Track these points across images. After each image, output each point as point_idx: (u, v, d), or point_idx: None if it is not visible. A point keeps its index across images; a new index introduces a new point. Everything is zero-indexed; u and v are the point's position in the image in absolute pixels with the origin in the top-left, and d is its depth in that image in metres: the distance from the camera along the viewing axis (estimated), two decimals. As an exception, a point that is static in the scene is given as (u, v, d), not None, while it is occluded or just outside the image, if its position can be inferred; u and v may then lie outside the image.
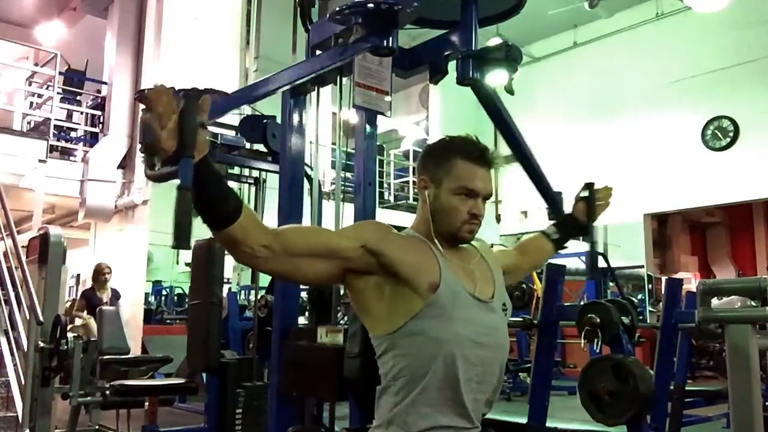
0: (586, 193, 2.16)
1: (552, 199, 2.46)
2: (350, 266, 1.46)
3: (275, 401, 2.53)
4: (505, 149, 2.49)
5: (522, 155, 2.49)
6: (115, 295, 7.00)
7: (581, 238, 2.28)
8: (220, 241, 1.32)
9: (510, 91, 2.24)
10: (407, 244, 1.53)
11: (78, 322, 6.41)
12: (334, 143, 3.78)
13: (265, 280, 4.67)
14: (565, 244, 2.13)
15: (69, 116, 9.46)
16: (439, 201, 1.55)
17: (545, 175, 2.49)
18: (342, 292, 2.69)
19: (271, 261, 1.37)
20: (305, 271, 1.43)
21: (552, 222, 2.19)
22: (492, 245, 1.85)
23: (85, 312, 6.51)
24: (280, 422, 2.46)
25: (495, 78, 2.25)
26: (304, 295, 3.50)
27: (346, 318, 2.70)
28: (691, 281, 10.16)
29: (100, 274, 6.86)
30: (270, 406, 2.63)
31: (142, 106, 1.21)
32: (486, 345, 1.49)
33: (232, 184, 4.71)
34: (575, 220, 2.17)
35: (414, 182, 6.72)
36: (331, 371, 2.15)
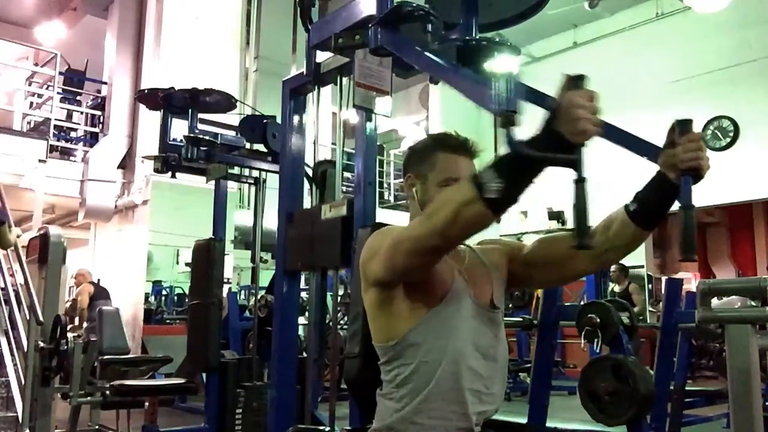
0: (676, 137, 1.38)
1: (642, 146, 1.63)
2: None
3: (275, 401, 2.53)
4: (504, 148, 2.45)
5: None
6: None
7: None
8: (474, 220, 1.21)
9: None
10: None
11: None
12: (334, 143, 3.78)
13: (265, 280, 4.67)
14: (657, 219, 1.48)
15: (69, 116, 9.46)
16: (427, 196, 1.54)
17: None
18: (341, 293, 2.69)
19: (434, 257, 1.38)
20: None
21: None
22: (520, 237, 1.78)
23: None
24: (280, 422, 2.46)
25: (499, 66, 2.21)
26: (304, 295, 3.51)
27: (346, 318, 2.70)
28: (691, 281, 10.16)
29: None
30: (270, 405, 2.63)
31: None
32: (490, 355, 1.48)
33: (232, 184, 4.72)
34: (662, 180, 1.43)
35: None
36: (335, 239, 2.21)
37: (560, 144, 1.11)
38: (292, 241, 2.56)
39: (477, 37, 1.90)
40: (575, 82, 1.13)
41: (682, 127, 1.37)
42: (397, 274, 1.40)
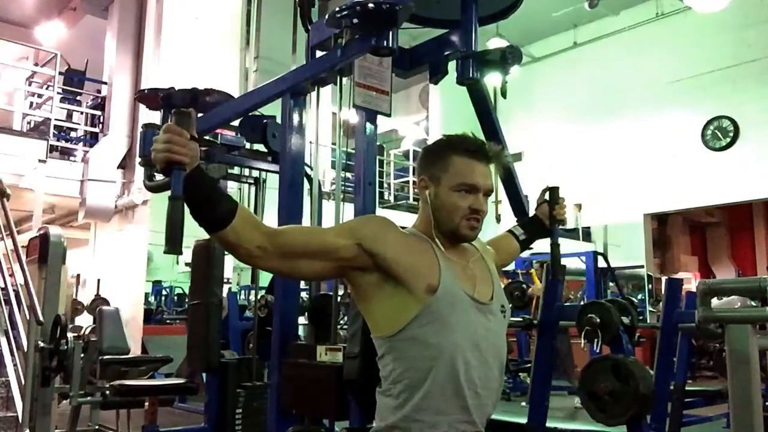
0: (547, 197, 2.20)
1: (518, 202, 2.51)
2: (347, 264, 1.47)
3: (275, 401, 2.53)
4: (509, 149, 2.49)
5: None
6: None
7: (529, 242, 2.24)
8: (217, 242, 1.40)
9: (504, 93, 2.26)
10: (407, 243, 1.51)
11: None
12: (334, 143, 3.78)
13: (265, 280, 4.67)
14: (530, 246, 2.18)
15: (69, 116, 9.46)
16: (440, 199, 1.53)
17: (517, 179, 2.56)
18: (342, 293, 2.69)
19: (267, 260, 1.43)
20: (302, 270, 1.49)
21: (518, 223, 2.24)
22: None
23: None
24: (280, 422, 2.46)
25: (493, 79, 2.26)
26: (304, 295, 3.51)
27: (346, 318, 2.70)
28: (691, 281, 10.16)
29: None
30: (270, 406, 2.63)
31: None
32: (485, 349, 1.48)
33: (231, 184, 4.71)
34: (540, 222, 2.20)
35: (414, 182, 6.76)
36: (331, 390, 2.14)
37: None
38: (286, 381, 2.43)
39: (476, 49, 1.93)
40: (176, 116, 1.33)
41: (552, 193, 2.18)
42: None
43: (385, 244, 1.47)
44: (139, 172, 8.09)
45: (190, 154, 1.30)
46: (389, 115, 2.47)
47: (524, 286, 6.23)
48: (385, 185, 12.56)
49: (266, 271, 1.57)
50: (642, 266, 10.05)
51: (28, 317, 3.68)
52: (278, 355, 2.54)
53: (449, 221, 1.53)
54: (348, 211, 2.48)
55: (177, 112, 1.33)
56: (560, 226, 2.21)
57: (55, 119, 8.57)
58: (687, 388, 4.18)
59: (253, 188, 4.21)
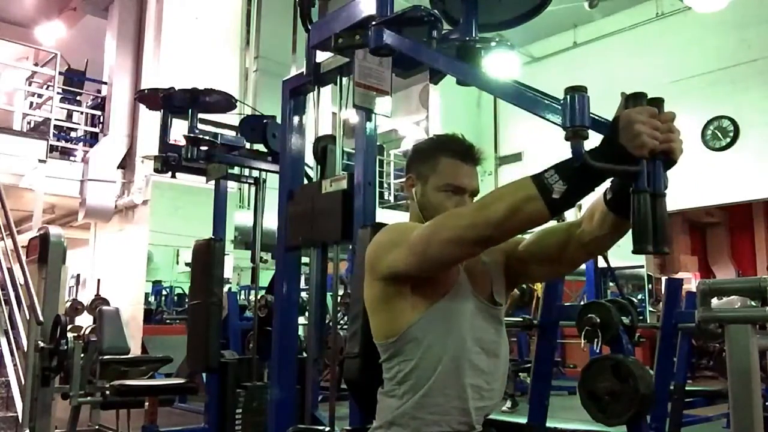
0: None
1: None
2: None
3: (275, 401, 2.53)
4: (504, 149, 2.45)
5: None
6: None
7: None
8: (537, 218, 1.25)
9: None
10: None
11: None
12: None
13: (265, 280, 4.67)
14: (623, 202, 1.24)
15: (69, 116, 9.46)
16: (426, 198, 1.55)
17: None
18: (341, 292, 2.69)
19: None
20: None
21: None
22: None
23: None
24: (280, 422, 2.46)
25: (497, 67, 2.21)
26: (304, 295, 3.51)
27: (346, 318, 2.70)
28: (691, 281, 10.16)
29: None
30: (270, 405, 2.63)
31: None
32: (491, 351, 1.49)
33: (232, 184, 4.71)
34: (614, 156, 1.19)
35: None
36: (336, 212, 2.26)
37: (622, 157, 1.17)
38: (292, 218, 2.57)
39: (476, 37, 1.90)
40: (635, 99, 1.20)
41: (635, 102, 1.21)
42: (427, 263, 1.38)
43: None
44: (139, 172, 8.10)
45: None
46: (389, 115, 2.47)
47: (524, 285, 6.22)
48: (385, 185, 12.56)
49: (450, 255, 1.37)
50: (642, 266, 10.05)
51: (28, 317, 3.68)
52: (278, 354, 2.54)
53: None
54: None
55: (636, 95, 1.22)
56: (668, 165, 1.20)
57: (55, 119, 8.57)
58: (687, 388, 4.17)
59: (253, 188, 4.21)
